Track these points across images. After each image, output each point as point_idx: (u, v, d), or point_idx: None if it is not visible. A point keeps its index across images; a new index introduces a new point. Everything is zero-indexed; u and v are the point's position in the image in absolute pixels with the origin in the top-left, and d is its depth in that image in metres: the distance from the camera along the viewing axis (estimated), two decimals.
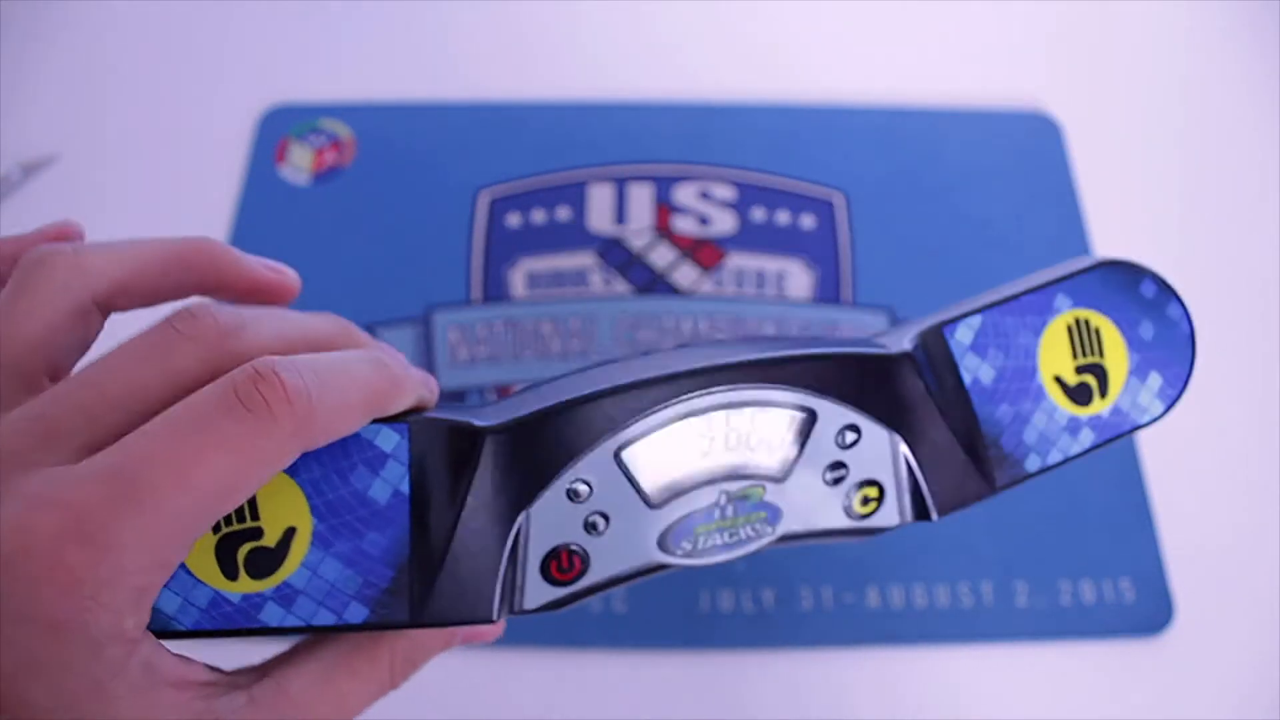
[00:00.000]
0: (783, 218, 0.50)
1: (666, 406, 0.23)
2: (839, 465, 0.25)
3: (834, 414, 0.24)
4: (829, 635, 0.40)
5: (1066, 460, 0.26)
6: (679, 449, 0.24)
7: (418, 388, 0.23)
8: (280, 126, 0.52)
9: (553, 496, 0.23)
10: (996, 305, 0.26)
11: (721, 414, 0.24)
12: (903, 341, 0.26)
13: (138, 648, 0.19)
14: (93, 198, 0.50)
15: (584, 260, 0.48)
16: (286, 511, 0.21)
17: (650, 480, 0.23)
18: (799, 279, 0.48)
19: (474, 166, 0.51)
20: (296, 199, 0.50)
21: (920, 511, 0.25)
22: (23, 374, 0.20)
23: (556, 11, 0.57)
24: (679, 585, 0.41)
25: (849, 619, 0.40)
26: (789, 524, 0.25)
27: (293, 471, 0.21)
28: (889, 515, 0.25)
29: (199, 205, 0.50)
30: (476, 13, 0.57)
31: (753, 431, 0.24)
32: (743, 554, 0.24)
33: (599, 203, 0.50)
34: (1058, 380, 0.26)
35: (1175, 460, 0.44)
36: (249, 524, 0.21)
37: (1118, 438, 0.26)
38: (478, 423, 0.23)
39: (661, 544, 0.24)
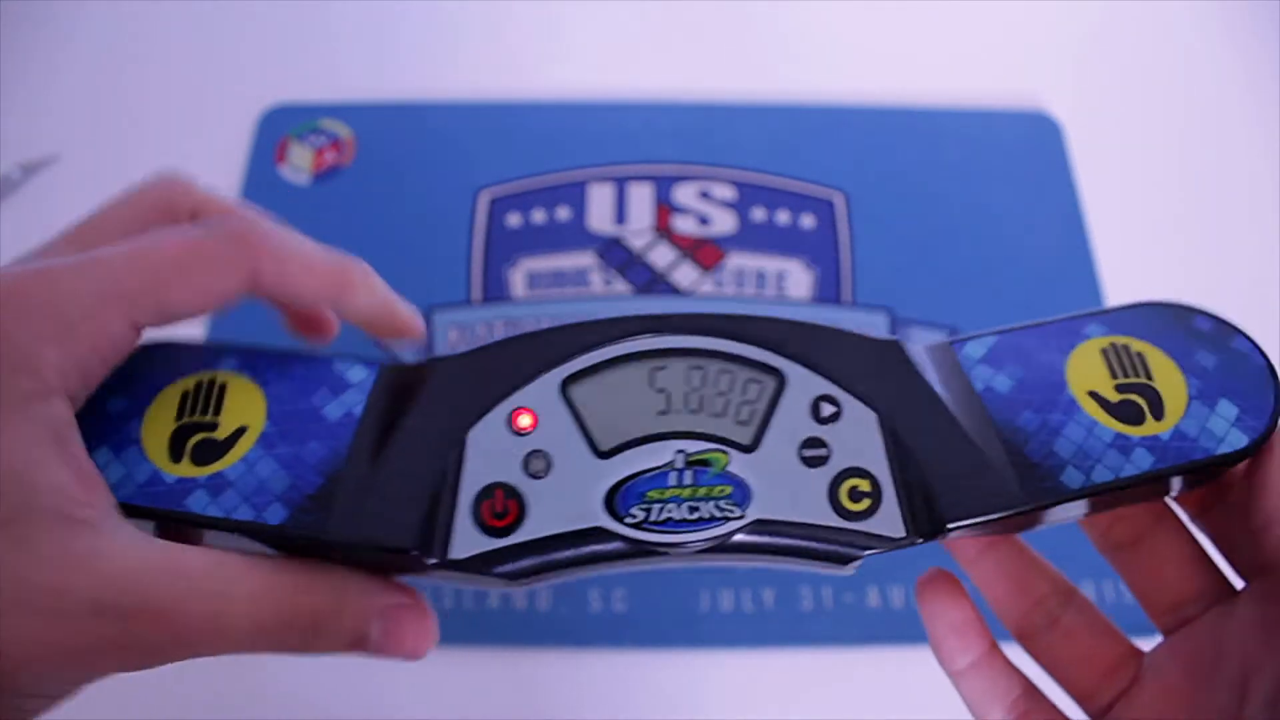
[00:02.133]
0: (783, 218, 0.50)
1: (618, 343, 0.22)
2: (816, 443, 0.22)
3: (806, 380, 0.22)
4: (829, 635, 0.40)
5: (1122, 482, 0.22)
6: (631, 395, 0.22)
7: (387, 295, 0.25)
8: (280, 126, 0.52)
9: (494, 423, 0.22)
10: (1014, 330, 0.24)
11: (679, 365, 0.22)
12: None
13: (51, 400, 0.19)
14: (93, 198, 0.50)
15: (584, 260, 0.48)
16: (246, 413, 0.22)
17: (598, 423, 0.22)
18: (799, 279, 0.48)
19: (474, 166, 0.51)
20: (296, 199, 0.50)
21: (930, 519, 0.22)
22: (162, 319, 0.21)
23: (557, 12, 0.57)
24: (679, 585, 0.41)
25: (849, 619, 0.40)
26: (761, 508, 0.21)
27: (264, 381, 0.23)
28: (889, 519, 0.21)
29: None
30: (477, 13, 0.57)
31: (715, 393, 0.22)
32: (706, 539, 0.21)
33: (599, 203, 0.50)
34: (1094, 395, 0.23)
35: None
36: (208, 418, 0.22)
37: (1192, 467, 0.22)
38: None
39: (609, 505, 0.21)
